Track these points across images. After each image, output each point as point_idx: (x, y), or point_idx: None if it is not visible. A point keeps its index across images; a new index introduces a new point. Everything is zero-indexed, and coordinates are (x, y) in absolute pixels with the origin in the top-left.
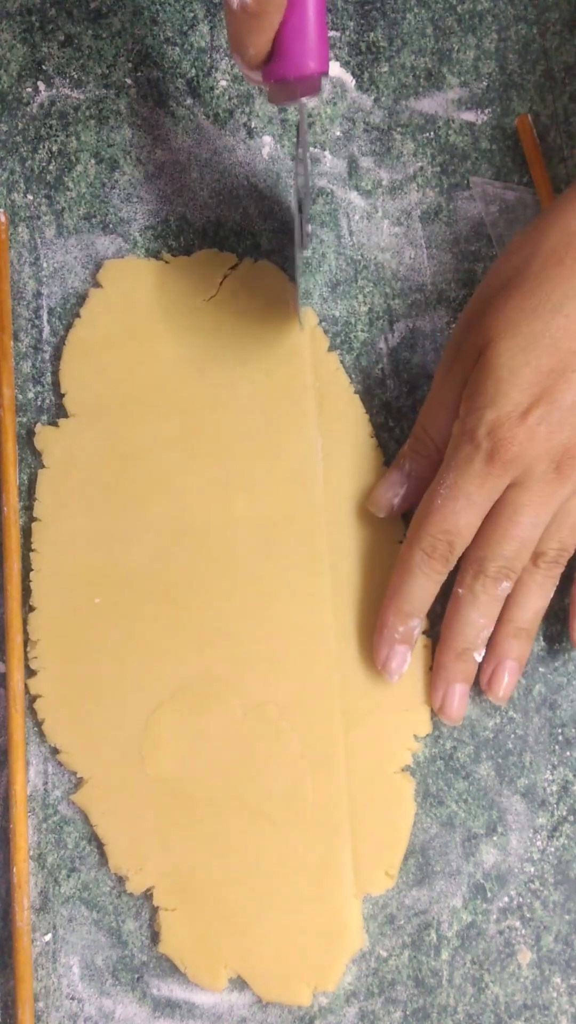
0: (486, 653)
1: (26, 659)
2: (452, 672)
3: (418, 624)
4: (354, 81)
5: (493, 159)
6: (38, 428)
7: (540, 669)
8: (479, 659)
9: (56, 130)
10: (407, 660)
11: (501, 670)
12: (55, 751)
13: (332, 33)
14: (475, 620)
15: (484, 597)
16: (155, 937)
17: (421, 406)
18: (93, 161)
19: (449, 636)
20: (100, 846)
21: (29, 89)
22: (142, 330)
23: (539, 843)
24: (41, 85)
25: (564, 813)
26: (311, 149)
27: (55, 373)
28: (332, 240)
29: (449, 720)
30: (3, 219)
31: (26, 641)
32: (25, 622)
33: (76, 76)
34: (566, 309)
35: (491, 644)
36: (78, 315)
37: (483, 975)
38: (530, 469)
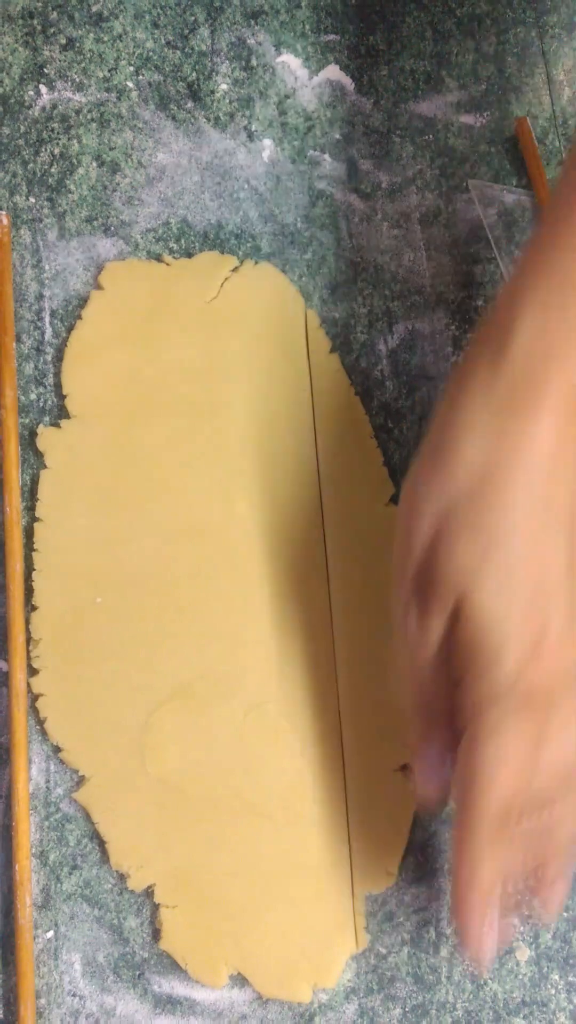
0: (533, 882)
1: (28, 658)
2: (480, 915)
3: (499, 890)
4: (353, 84)
5: (492, 162)
6: (40, 429)
7: None
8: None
9: (58, 133)
10: (495, 926)
11: (554, 892)
12: (57, 749)
13: (332, 36)
14: (505, 867)
15: (519, 839)
16: (156, 934)
17: (415, 451)
18: (95, 164)
19: (471, 883)
20: (101, 844)
21: (31, 92)
22: (143, 332)
23: None
24: (43, 88)
25: None
26: (312, 152)
27: (57, 375)
28: (332, 242)
29: (482, 965)
30: (5, 222)
31: (28, 640)
32: (27, 621)
33: (78, 79)
34: (554, 510)
35: (536, 874)
36: (80, 317)
37: (482, 972)
38: (560, 694)
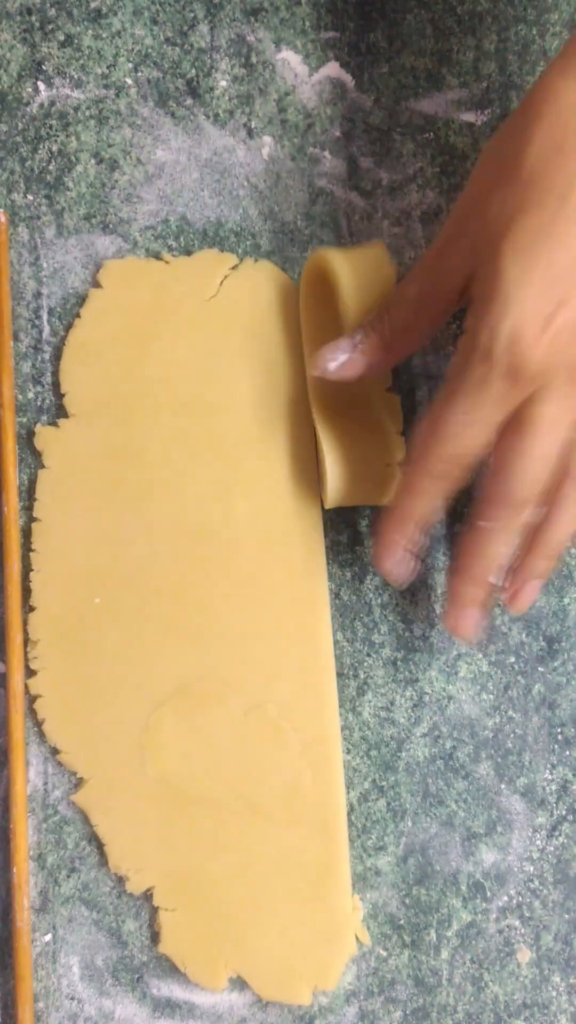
0: (512, 573)
1: (26, 659)
2: (467, 598)
3: (423, 539)
4: (354, 81)
5: None
6: (38, 428)
7: (539, 668)
8: (497, 581)
9: (56, 130)
10: (412, 566)
11: (528, 589)
12: (55, 751)
13: (332, 33)
14: (496, 551)
15: (508, 528)
16: (155, 937)
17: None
18: (93, 161)
19: (466, 564)
20: (100, 846)
21: (29, 89)
22: (142, 330)
23: (538, 842)
24: (41, 85)
25: (563, 812)
26: (312, 149)
27: (55, 373)
28: (332, 240)
29: (464, 638)
30: (3, 219)
31: (26, 641)
32: (25, 622)
33: (76, 76)
34: (572, 197)
35: (519, 565)
36: (78, 315)
37: (483, 974)
38: (549, 381)
